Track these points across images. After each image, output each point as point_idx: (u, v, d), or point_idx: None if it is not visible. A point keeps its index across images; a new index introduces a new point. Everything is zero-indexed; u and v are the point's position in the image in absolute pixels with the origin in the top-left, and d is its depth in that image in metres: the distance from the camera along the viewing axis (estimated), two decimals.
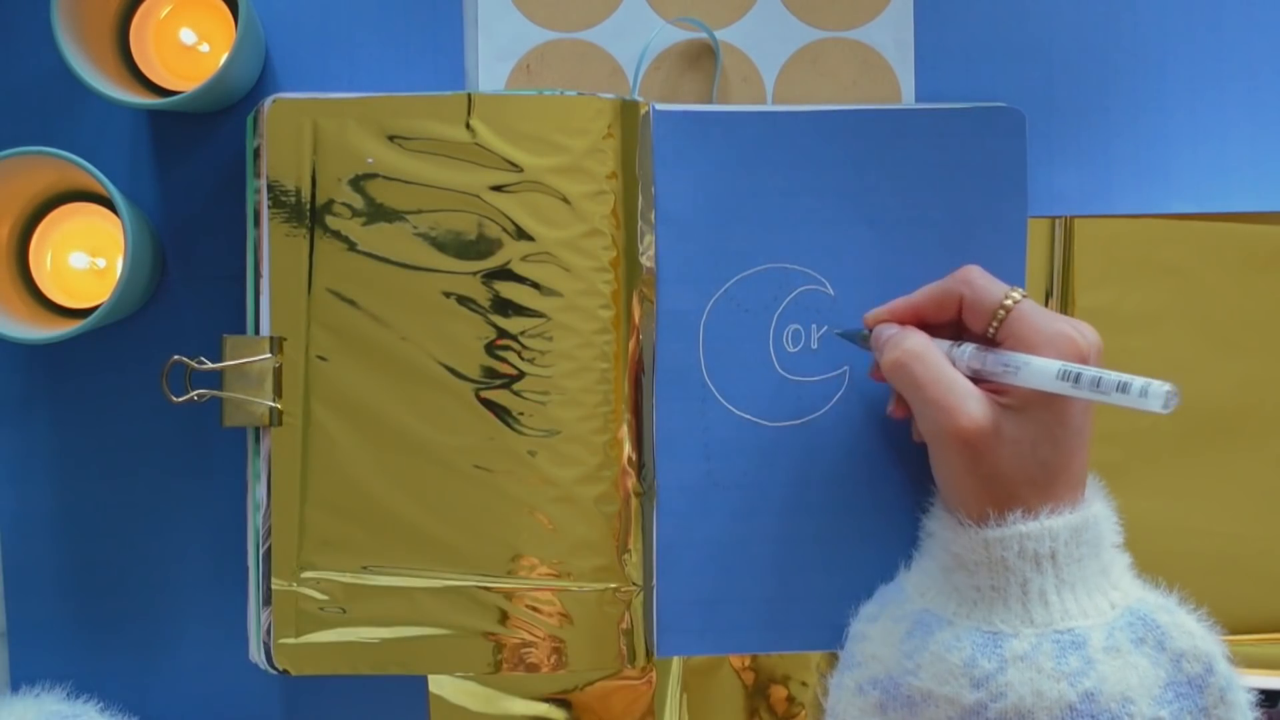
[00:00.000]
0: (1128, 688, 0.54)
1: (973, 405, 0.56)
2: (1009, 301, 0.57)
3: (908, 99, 0.67)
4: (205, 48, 0.65)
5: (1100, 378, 0.52)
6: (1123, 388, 0.51)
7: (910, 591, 0.59)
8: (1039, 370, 0.54)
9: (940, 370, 0.57)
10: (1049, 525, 0.55)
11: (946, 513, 0.58)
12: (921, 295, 0.60)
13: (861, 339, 0.62)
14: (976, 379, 0.57)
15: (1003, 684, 0.54)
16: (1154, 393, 0.50)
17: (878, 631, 0.59)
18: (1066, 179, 0.67)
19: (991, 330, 0.57)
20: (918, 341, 0.58)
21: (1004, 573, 0.56)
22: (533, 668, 0.62)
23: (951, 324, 0.60)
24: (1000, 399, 0.56)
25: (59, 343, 0.61)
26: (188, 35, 0.64)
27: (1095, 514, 0.56)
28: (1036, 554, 0.55)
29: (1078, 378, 0.53)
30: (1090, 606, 0.55)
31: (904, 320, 0.61)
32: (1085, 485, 0.58)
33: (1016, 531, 0.55)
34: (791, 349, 0.64)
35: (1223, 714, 0.54)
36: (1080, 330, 0.56)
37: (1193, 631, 0.55)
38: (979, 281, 0.58)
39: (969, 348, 0.58)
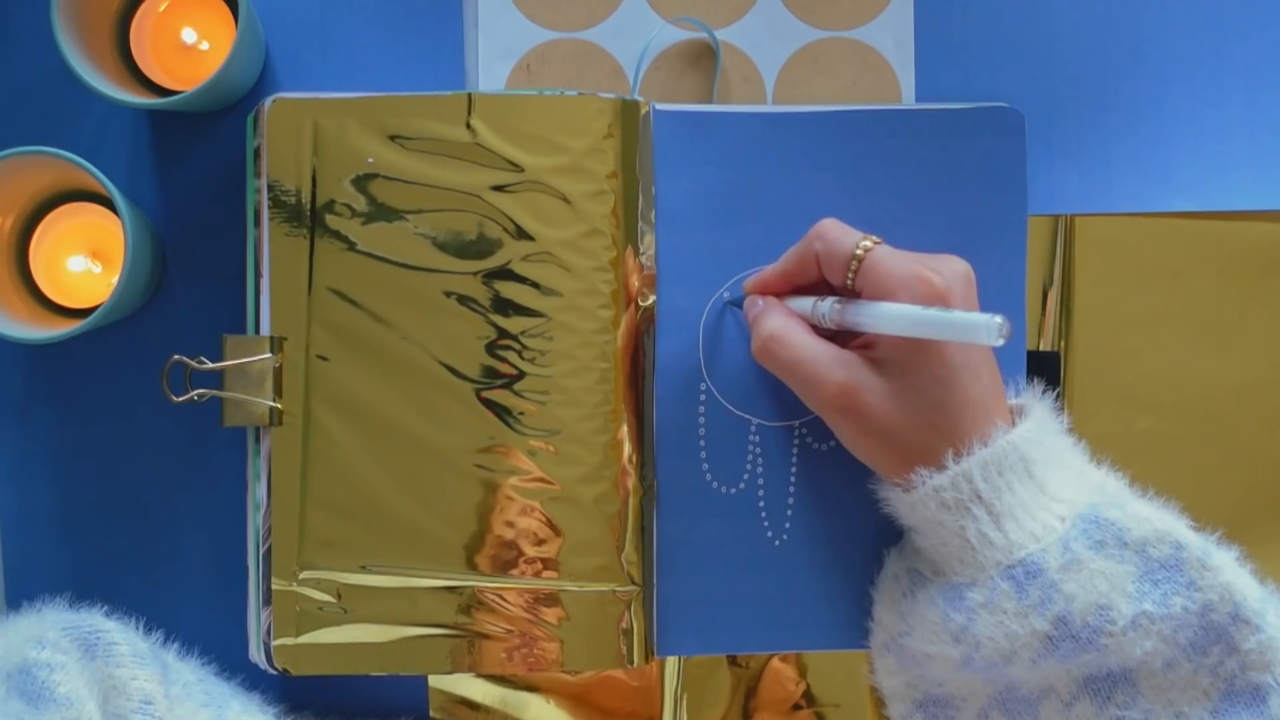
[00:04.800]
0: (1099, 596, 0.53)
1: (836, 372, 0.56)
2: (860, 251, 0.56)
3: (908, 99, 0.67)
4: (205, 47, 0.65)
5: (938, 316, 0.52)
6: (956, 324, 0.51)
7: (906, 551, 0.60)
8: (886, 315, 0.54)
9: (802, 347, 0.57)
10: (960, 470, 0.54)
11: (883, 482, 0.59)
12: (785, 259, 0.60)
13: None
14: (845, 333, 0.57)
15: (976, 635, 0.54)
16: (983, 325, 0.50)
17: (881, 594, 0.60)
18: (1066, 179, 0.67)
19: (849, 281, 0.57)
20: (775, 323, 0.58)
21: (939, 529, 0.55)
22: (533, 667, 0.62)
23: (823, 282, 0.59)
24: (871, 353, 0.56)
25: (59, 343, 0.61)
26: (188, 35, 0.64)
27: (1013, 439, 0.55)
28: (958, 501, 0.55)
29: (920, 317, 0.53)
30: (1037, 528, 0.54)
31: (776, 288, 0.60)
32: (1003, 410, 0.56)
33: (931, 487, 0.55)
34: None
35: (1210, 580, 0.53)
36: (936, 268, 0.55)
37: (1149, 516, 0.54)
38: (831, 234, 0.58)
39: (829, 301, 0.57)
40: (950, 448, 0.55)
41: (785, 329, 0.58)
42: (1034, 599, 0.53)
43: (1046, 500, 0.55)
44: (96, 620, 0.55)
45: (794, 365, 0.57)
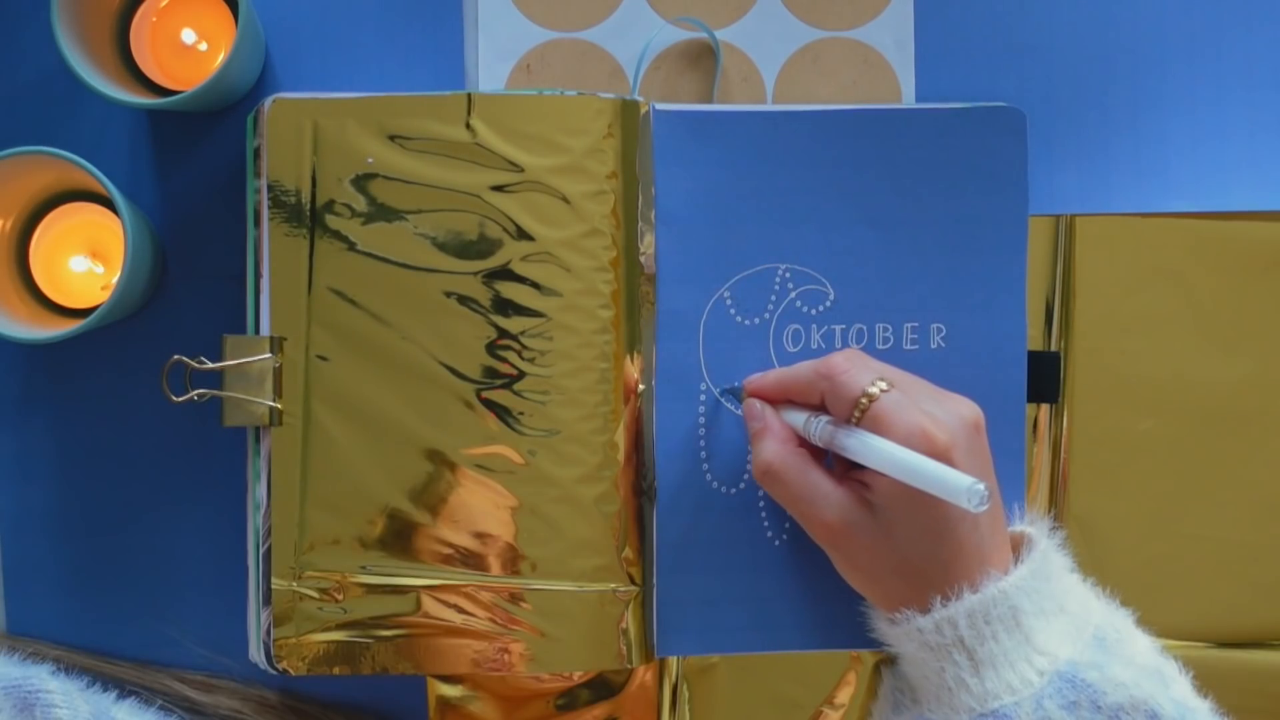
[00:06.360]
0: None
1: (828, 512, 0.56)
2: (865, 400, 0.56)
3: (908, 99, 0.67)
4: (205, 47, 0.65)
5: (922, 466, 0.52)
6: (938, 480, 0.51)
7: (897, 670, 0.60)
8: (874, 451, 0.54)
9: (799, 484, 0.57)
10: (945, 615, 0.54)
11: (872, 607, 0.59)
12: (792, 376, 0.60)
13: (741, 399, 0.62)
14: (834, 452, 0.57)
15: None
16: (964, 489, 0.50)
17: (878, 708, 0.60)
18: (1066, 179, 0.67)
19: (853, 422, 0.56)
20: (773, 454, 0.58)
21: (920, 665, 0.55)
22: (533, 667, 0.62)
23: (823, 406, 0.59)
24: (868, 493, 0.56)
25: (59, 343, 0.61)
26: (188, 35, 0.64)
27: (1004, 587, 0.54)
28: (940, 644, 0.54)
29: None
30: (1015, 680, 0.53)
31: (774, 396, 0.60)
32: (1002, 556, 0.56)
33: (913, 627, 0.55)
34: (791, 349, 0.64)
35: None
36: (940, 424, 0.54)
37: (1126, 682, 0.53)
38: (840, 378, 0.57)
39: (823, 421, 0.57)
40: (939, 594, 0.54)
41: (783, 463, 0.58)
42: None
43: (1029, 652, 0.54)
44: (40, 679, 0.55)
45: (791, 501, 0.58)
